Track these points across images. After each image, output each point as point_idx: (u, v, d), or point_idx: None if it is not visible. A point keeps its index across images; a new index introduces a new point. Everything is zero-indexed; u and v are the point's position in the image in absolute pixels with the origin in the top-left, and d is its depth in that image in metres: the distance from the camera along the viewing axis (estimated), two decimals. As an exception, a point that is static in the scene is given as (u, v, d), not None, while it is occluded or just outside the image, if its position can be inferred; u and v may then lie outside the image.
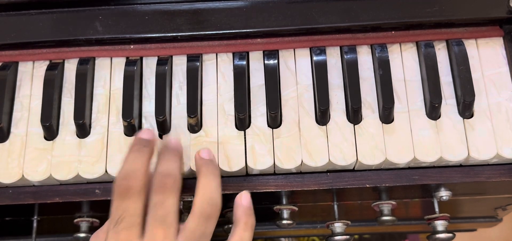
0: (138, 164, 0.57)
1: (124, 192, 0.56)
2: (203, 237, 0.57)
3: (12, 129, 0.67)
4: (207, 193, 0.58)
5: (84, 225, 0.72)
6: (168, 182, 0.57)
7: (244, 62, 0.68)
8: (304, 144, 0.65)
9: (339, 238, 0.71)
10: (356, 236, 1.11)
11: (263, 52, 0.69)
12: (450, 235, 0.71)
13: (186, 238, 0.56)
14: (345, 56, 0.68)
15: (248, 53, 0.69)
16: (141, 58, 0.70)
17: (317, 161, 0.64)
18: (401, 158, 0.64)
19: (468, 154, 0.64)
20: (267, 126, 0.66)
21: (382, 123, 0.66)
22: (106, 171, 0.65)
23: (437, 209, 0.72)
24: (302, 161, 0.64)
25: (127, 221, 0.55)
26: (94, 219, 0.72)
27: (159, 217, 0.55)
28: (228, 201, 0.66)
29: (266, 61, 0.68)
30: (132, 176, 0.56)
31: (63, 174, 0.65)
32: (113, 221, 0.55)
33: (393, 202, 0.72)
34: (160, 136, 0.66)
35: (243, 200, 0.61)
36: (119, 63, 0.69)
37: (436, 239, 0.71)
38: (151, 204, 0.56)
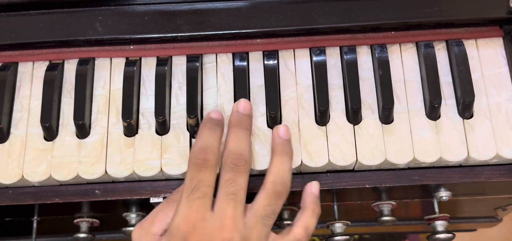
0: (213, 139, 0.60)
1: (201, 163, 0.58)
2: (272, 215, 0.59)
3: (12, 130, 0.67)
4: (281, 173, 0.60)
5: (84, 226, 0.72)
6: (240, 162, 0.59)
7: (244, 63, 0.68)
8: (303, 144, 0.65)
9: (339, 238, 0.71)
10: (356, 236, 1.11)
11: (263, 52, 0.69)
12: (450, 235, 0.71)
13: (255, 213, 0.58)
14: (345, 57, 0.68)
15: (248, 53, 0.69)
16: (140, 58, 0.69)
17: (317, 161, 0.64)
18: (401, 158, 0.64)
19: (468, 154, 0.64)
20: (266, 126, 0.66)
21: (382, 123, 0.66)
22: (105, 172, 0.65)
23: (437, 209, 0.72)
24: (302, 161, 0.64)
25: (202, 191, 0.57)
26: (94, 220, 0.72)
27: (231, 193, 0.58)
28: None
29: (266, 62, 0.68)
30: (208, 149, 0.59)
31: (63, 175, 0.65)
32: (188, 190, 0.57)
33: (393, 202, 0.72)
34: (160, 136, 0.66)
35: (314, 188, 0.63)
36: (119, 63, 0.69)
37: (436, 239, 0.71)
38: (223, 180, 0.58)
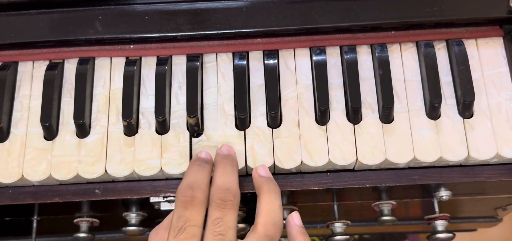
0: (201, 176, 0.59)
1: (189, 201, 0.56)
2: None
3: (12, 129, 0.67)
4: (271, 212, 0.58)
5: (84, 225, 0.72)
6: (228, 197, 0.57)
7: (244, 62, 0.68)
8: (304, 143, 0.65)
9: (339, 238, 0.71)
10: (356, 236, 1.11)
11: (263, 52, 0.69)
12: (450, 235, 0.71)
13: None
14: (345, 56, 0.68)
15: (248, 53, 0.69)
16: (140, 57, 0.69)
17: (317, 161, 0.64)
18: (401, 158, 0.64)
19: (468, 154, 0.64)
20: (267, 125, 0.66)
21: (382, 122, 0.66)
22: (105, 171, 0.65)
23: (437, 209, 0.72)
24: (302, 161, 0.64)
25: (189, 232, 0.55)
26: (94, 219, 0.72)
27: (218, 233, 0.55)
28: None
29: (266, 61, 0.68)
30: (196, 187, 0.57)
31: (63, 174, 0.65)
32: (175, 230, 0.55)
33: (393, 202, 0.72)
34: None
35: (295, 219, 0.61)
36: (119, 63, 0.69)
37: (436, 239, 0.71)
38: (210, 219, 0.56)
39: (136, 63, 0.68)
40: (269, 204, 0.58)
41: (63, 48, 0.70)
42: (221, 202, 0.57)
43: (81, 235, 0.72)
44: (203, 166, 0.60)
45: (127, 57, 0.70)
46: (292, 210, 0.71)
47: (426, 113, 0.66)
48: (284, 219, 0.62)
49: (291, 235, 0.60)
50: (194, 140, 0.66)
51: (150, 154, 0.65)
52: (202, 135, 0.66)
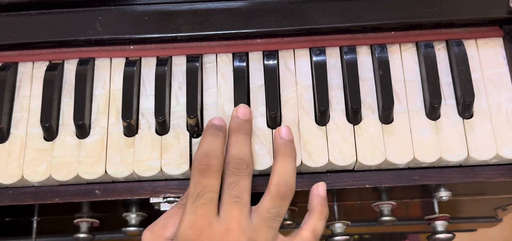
0: (216, 144, 0.60)
1: (205, 169, 0.58)
2: (278, 217, 0.59)
3: (12, 130, 0.67)
4: (284, 175, 0.60)
5: (84, 226, 0.72)
6: (242, 166, 0.59)
7: (244, 63, 0.68)
8: (303, 144, 0.65)
9: (339, 238, 0.71)
10: (356, 236, 1.11)
11: (263, 52, 0.69)
12: (450, 235, 0.71)
13: (261, 215, 0.59)
14: (344, 57, 0.68)
15: (248, 53, 0.69)
16: (140, 58, 0.69)
17: (316, 162, 0.64)
18: (400, 159, 0.64)
19: (468, 154, 0.64)
20: (266, 126, 0.66)
21: (382, 123, 0.66)
22: (105, 172, 0.65)
23: (437, 209, 0.72)
24: (301, 162, 0.64)
25: (206, 197, 0.57)
26: (94, 220, 0.72)
27: (235, 196, 0.58)
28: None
29: (266, 62, 0.68)
30: (212, 155, 0.59)
31: (63, 175, 0.65)
32: (193, 196, 0.57)
33: (393, 202, 0.72)
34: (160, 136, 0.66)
35: (320, 190, 0.63)
36: (119, 63, 0.69)
37: (436, 239, 0.71)
38: (226, 184, 0.59)
39: (136, 63, 0.68)
40: (284, 167, 0.60)
41: (63, 49, 0.70)
42: (236, 170, 0.59)
43: (81, 235, 0.72)
44: (217, 134, 0.61)
45: (127, 58, 0.70)
46: (291, 210, 0.71)
47: (426, 114, 0.66)
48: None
49: (311, 203, 0.63)
50: (194, 140, 0.66)
51: (150, 155, 0.65)
52: (202, 136, 0.66)
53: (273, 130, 0.65)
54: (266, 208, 0.59)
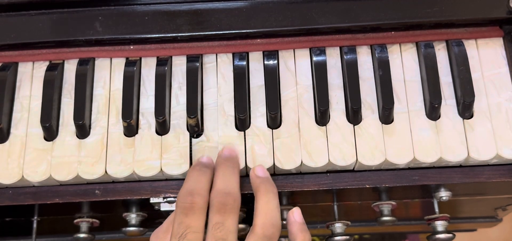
0: (201, 182, 0.59)
1: (189, 207, 0.56)
2: None
3: (12, 130, 0.67)
4: (269, 212, 0.58)
5: (84, 226, 0.72)
6: (229, 201, 0.57)
7: (244, 63, 0.68)
8: (303, 144, 0.65)
9: (339, 238, 0.71)
10: (356, 236, 1.11)
11: (263, 52, 0.69)
12: (450, 235, 0.71)
13: None
14: (345, 57, 0.68)
15: (248, 53, 0.69)
16: (140, 58, 0.69)
17: (317, 162, 0.64)
18: (401, 159, 0.64)
19: (468, 155, 0.64)
20: (266, 126, 0.66)
21: (382, 123, 0.66)
22: (105, 172, 0.65)
23: (437, 209, 0.72)
24: (301, 162, 0.64)
25: (189, 238, 0.55)
26: (94, 220, 0.72)
27: (220, 238, 0.55)
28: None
29: (266, 62, 0.68)
30: (196, 193, 0.57)
31: (63, 175, 0.65)
32: (176, 236, 0.55)
33: (393, 202, 0.72)
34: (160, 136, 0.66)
35: (296, 216, 0.61)
36: (119, 63, 0.69)
37: (436, 239, 0.71)
38: (211, 224, 0.56)
39: (136, 63, 0.68)
40: (267, 205, 0.58)
41: (63, 49, 0.70)
42: (221, 206, 0.57)
43: (81, 235, 0.72)
44: (204, 170, 0.60)
45: (127, 58, 0.70)
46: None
47: (426, 114, 0.66)
48: (284, 218, 0.62)
49: (292, 232, 0.60)
50: (194, 140, 0.66)
51: (150, 155, 0.65)
52: (202, 136, 0.66)
53: (273, 130, 0.65)
54: None
